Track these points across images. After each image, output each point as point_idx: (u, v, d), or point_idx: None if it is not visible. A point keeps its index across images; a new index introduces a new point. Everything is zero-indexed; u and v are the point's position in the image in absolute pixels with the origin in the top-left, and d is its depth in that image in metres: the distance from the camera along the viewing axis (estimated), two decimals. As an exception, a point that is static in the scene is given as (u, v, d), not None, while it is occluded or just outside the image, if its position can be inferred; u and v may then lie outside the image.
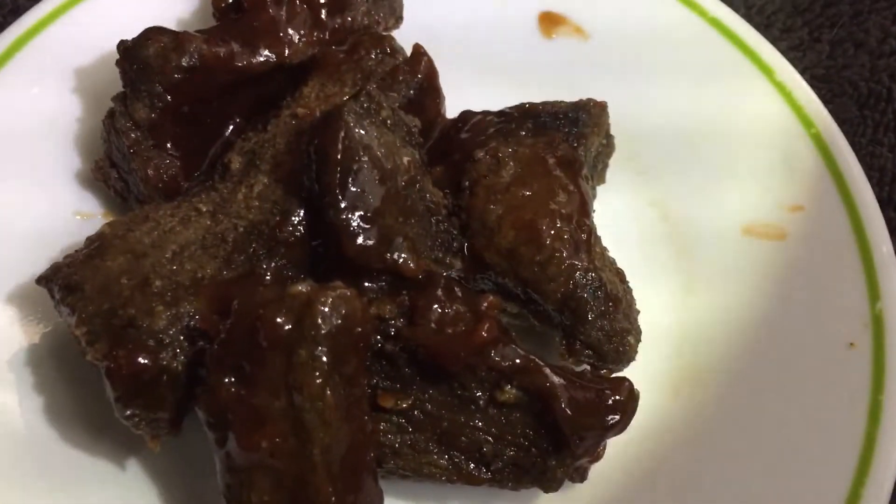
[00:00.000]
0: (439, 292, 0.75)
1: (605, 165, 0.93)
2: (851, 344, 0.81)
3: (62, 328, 0.80)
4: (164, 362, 0.72)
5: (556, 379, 0.73)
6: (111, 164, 0.88)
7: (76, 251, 0.78)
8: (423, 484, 0.77)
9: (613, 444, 0.78)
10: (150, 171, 0.84)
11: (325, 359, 0.67)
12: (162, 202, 0.83)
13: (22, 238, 0.88)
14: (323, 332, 0.67)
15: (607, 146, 0.91)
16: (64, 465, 0.79)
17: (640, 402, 0.78)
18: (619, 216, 0.93)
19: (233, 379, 0.68)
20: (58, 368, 0.82)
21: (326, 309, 0.68)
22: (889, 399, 0.77)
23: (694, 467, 0.80)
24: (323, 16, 0.89)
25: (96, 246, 0.78)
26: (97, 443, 0.79)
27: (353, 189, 0.74)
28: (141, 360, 0.71)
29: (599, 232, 0.86)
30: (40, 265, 0.85)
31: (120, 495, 0.78)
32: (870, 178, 0.89)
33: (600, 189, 0.92)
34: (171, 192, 0.85)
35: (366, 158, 0.75)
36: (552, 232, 0.79)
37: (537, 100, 0.91)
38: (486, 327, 0.72)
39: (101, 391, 0.73)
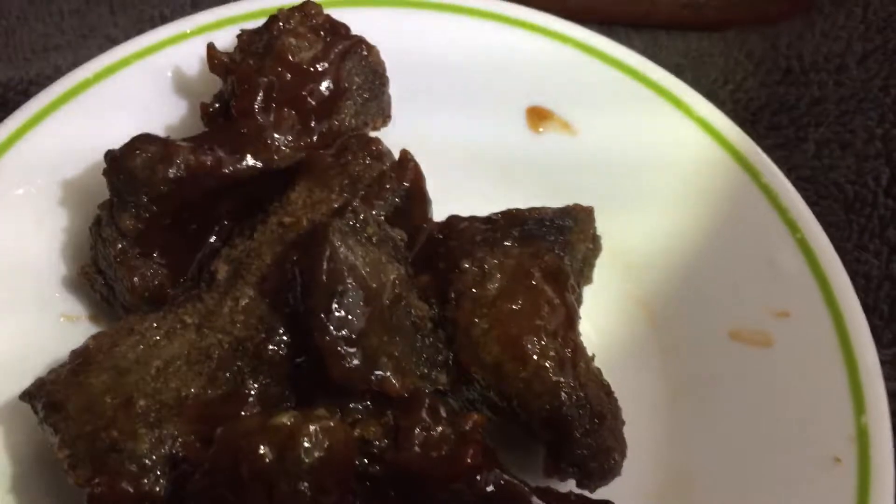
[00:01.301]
0: (424, 414, 0.75)
1: (592, 266, 0.93)
2: (837, 459, 0.81)
3: (46, 443, 0.80)
4: (147, 488, 0.72)
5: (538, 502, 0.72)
6: (97, 270, 0.88)
7: (60, 366, 0.78)
8: None
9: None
10: (135, 281, 0.84)
11: (307, 493, 0.67)
12: (147, 312, 0.83)
13: (6, 340, 0.87)
14: (305, 465, 0.67)
15: (594, 248, 0.92)
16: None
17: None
18: (606, 315, 0.93)
19: (215, 510, 0.68)
20: (43, 482, 0.81)
21: (309, 441, 0.68)
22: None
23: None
24: (311, 121, 0.90)
25: (80, 362, 0.78)
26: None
27: (339, 312, 0.74)
28: (124, 486, 0.71)
29: (586, 334, 0.86)
30: (25, 370, 0.86)
31: None
32: (855, 285, 0.89)
33: (587, 288, 0.93)
34: (157, 299, 0.85)
35: (351, 280, 0.75)
36: (537, 349, 0.79)
37: (525, 195, 0.92)
38: (470, 453, 0.72)
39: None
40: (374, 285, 0.77)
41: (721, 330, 0.90)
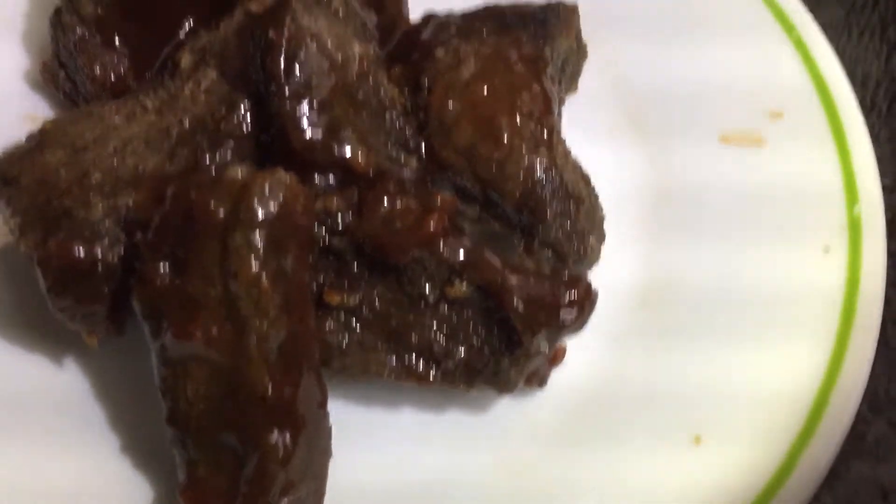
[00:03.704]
0: (390, 186, 0.72)
1: (578, 72, 0.89)
2: (827, 248, 0.77)
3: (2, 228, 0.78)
4: (100, 253, 0.69)
5: (508, 274, 0.69)
6: (59, 65, 0.84)
7: (15, 146, 0.76)
8: (373, 385, 0.74)
9: (576, 351, 0.76)
10: (97, 69, 0.81)
11: (261, 245, 0.64)
12: (109, 101, 0.80)
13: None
14: (259, 216, 0.64)
15: (578, 51, 0.87)
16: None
17: (607, 310, 0.75)
18: (592, 123, 0.88)
19: (167, 267, 0.65)
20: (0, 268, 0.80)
21: (263, 193, 0.64)
22: (862, 300, 0.73)
23: (662, 377, 0.77)
24: (280, -88, 0.86)
25: (37, 141, 0.75)
26: (35, 341, 0.76)
27: (299, 77, 0.71)
28: (74, 249, 0.68)
29: (570, 139, 0.82)
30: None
31: (59, 393, 0.75)
32: (853, 84, 0.85)
33: (573, 102, 0.88)
34: (119, 91, 0.81)
35: (314, 46, 0.72)
36: (511, 129, 0.75)
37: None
38: (434, 218, 0.69)
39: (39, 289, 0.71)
40: (339, 57, 0.73)
41: (711, 133, 0.86)
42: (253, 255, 0.64)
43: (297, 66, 0.71)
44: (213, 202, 0.64)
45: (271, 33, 0.71)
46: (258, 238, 0.64)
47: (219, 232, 0.64)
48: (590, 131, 0.86)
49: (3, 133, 0.85)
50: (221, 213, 0.64)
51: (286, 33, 0.71)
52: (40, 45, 0.88)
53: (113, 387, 0.76)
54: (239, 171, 0.65)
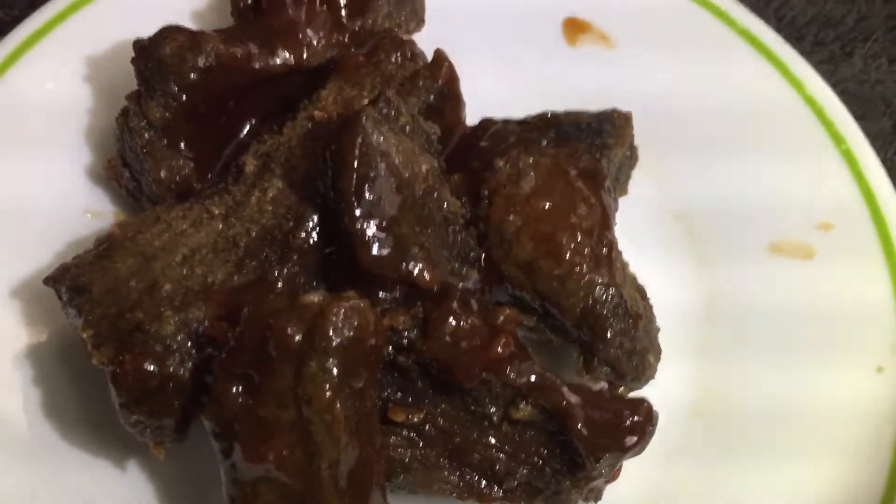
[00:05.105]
0: (454, 304, 0.73)
1: (628, 177, 0.91)
2: (880, 368, 0.78)
3: (69, 329, 0.79)
4: (171, 369, 0.70)
5: (572, 398, 0.70)
6: (123, 164, 0.86)
7: (85, 252, 0.77)
8: (433, 500, 0.75)
9: (630, 464, 0.77)
10: (162, 173, 0.83)
11: (335, 371, 0.65)
12: (174, 203, 0.81)
13: (32, 235, 0.86)
14: (334, 344, 0.65)
15: (631, 157, 0.89)
16: (66, 468, 0.77)
17: (659, 422, 0.76)
18: (642, 228, 0.90)
19: (240, 388, 0.67)
20: (64, 370, 0.81)
21: (338, 320, 0.66)
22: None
23: (713, 490, 0.78)
24: (343, 18, 0.88)
25: (105, 247, 0.76)
26: (101, 446, 0.78)
27: (370, 197, 0.72)
28: (147, 365, 0.70)
29: (621, 245, 0.84)
30: (50, 263, 0.85)
31: (122, 499, 0.76)
32: (902, 194, 0.86)
33: (622, 200, 0.90)
34: (183, 193, 0.83)
35: (383, 165, 0.73)
36: (572, 246, 0.76)
37: (560, 109, 0.89)
38: (501, 342, 0.70)
39: (107, 394, 0.72)
40: (407, 174, 0.75)
41: (761, 243, 0.88)
42: (327, 383, 0.65)
43: (367, 186, 0.72)
44: (288, 328, 0.66)
45: (343, 153, 0.73)
46: (332, 365, 0.65)
47: (293, 357, 0.66)
48: (640, 238, 0.88)
49: (68, 228, 0.87)
50: (296, 339, 0.66)
51: (357, 154, 0.72)
52: (103, 139, 0.89)
53: (176, 492, 0.77)
54: (314, 297, 0.67)
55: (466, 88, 0.88)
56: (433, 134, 0.80)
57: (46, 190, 0.88)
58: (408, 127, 0.77)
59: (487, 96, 0.91)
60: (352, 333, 0.66)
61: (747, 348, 0.83)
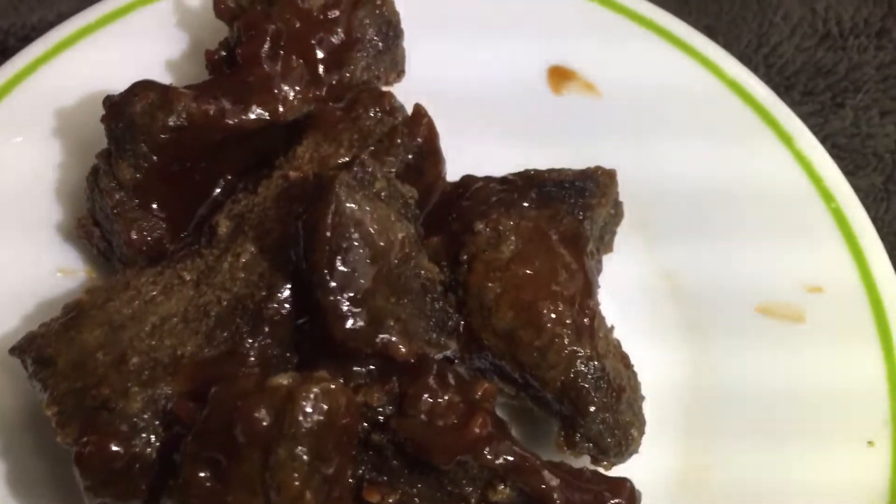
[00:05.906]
0: (431, 380, 0.71)
1: (613, 234, 0.88)
2: (870, 442, 0.76)
3: (37, 399, 0.77)
4: (137, 449, 0.68)
5: (552, 480, 0.68)
6: (94, 223, 0.84)
7: (52, 319, 0.75)
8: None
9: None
10: (133, 234, 0.80)
11: (305, 458, 0.63)
12: (145, 266, 0.79)
13: (1, 294, 0.84)
14: (303, 429, 0.63)
15: (615, 215, 0.87)
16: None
17: (644, 499, 0.74)
18: (627, 287, 0.88)
19: (207, 473, 0.64)
20: (30, 440, 0.78)
21: (308, 404, 0.63)
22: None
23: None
24: (320, 71, 0.85)
25: (73, 316, 0.74)
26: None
27: (343, 269, 0.70)
28: (113, 447, 0.67)
29: (605, 306, 0.81)
30: (18, 326, 0.83)
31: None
32: (892, 258, 0.84)
33: (607, 258, 0.88)
34: (155, 254, 0.81)
35: (357, 236, 0.71)
36: (553, 316, 0.74)
37: (544, 159, 0.87)
38: (479, 423, 0.68)
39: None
40: (382, 243, 0.72)
41: (749, 304, 0.85)
42: (295, 472, 0.63)
43: (339, 258, 0.70)
44: (255, 412, 0.63)
45: (315, 223, 0.70)
46: (301, 452, 0.63)
47: (261, 443, 0.63)
48: (625, 298, 0.86)
49: (38, 287, 0.85)
50: (264, 423, 0.63)
51: (330, 224, 0.70)
52: (75, 195, 0.87)
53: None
54: (284, 379, 0.64)
55: (448, 138, 0.85)
56: (411, 198, 0.78)
57: (15, 247, 0.85)
58: (383, 192, 0.75)
59: (470, 146, 0.89)
60: (322, 418, 0.64)
61: (735, 419, 0.81)
